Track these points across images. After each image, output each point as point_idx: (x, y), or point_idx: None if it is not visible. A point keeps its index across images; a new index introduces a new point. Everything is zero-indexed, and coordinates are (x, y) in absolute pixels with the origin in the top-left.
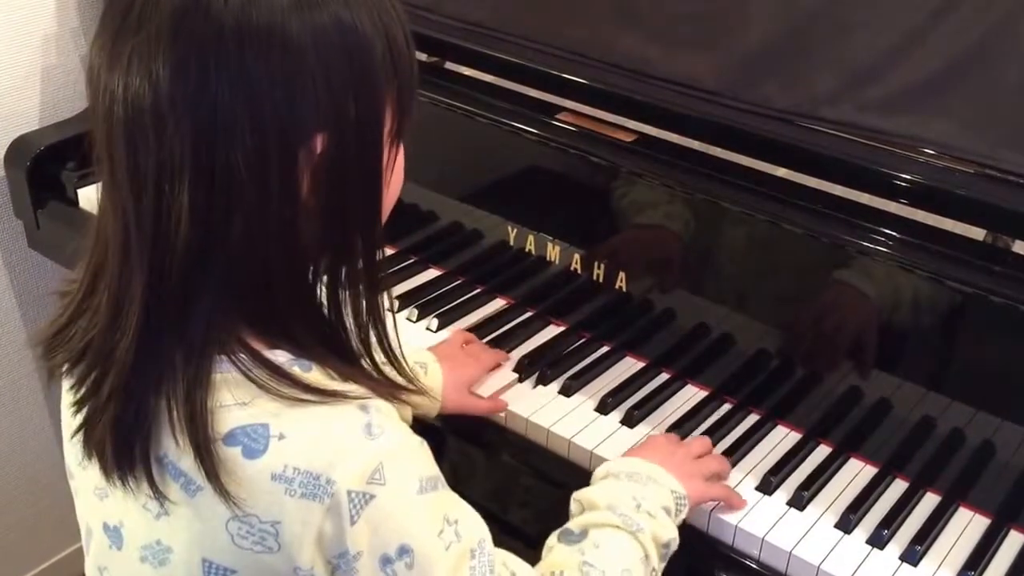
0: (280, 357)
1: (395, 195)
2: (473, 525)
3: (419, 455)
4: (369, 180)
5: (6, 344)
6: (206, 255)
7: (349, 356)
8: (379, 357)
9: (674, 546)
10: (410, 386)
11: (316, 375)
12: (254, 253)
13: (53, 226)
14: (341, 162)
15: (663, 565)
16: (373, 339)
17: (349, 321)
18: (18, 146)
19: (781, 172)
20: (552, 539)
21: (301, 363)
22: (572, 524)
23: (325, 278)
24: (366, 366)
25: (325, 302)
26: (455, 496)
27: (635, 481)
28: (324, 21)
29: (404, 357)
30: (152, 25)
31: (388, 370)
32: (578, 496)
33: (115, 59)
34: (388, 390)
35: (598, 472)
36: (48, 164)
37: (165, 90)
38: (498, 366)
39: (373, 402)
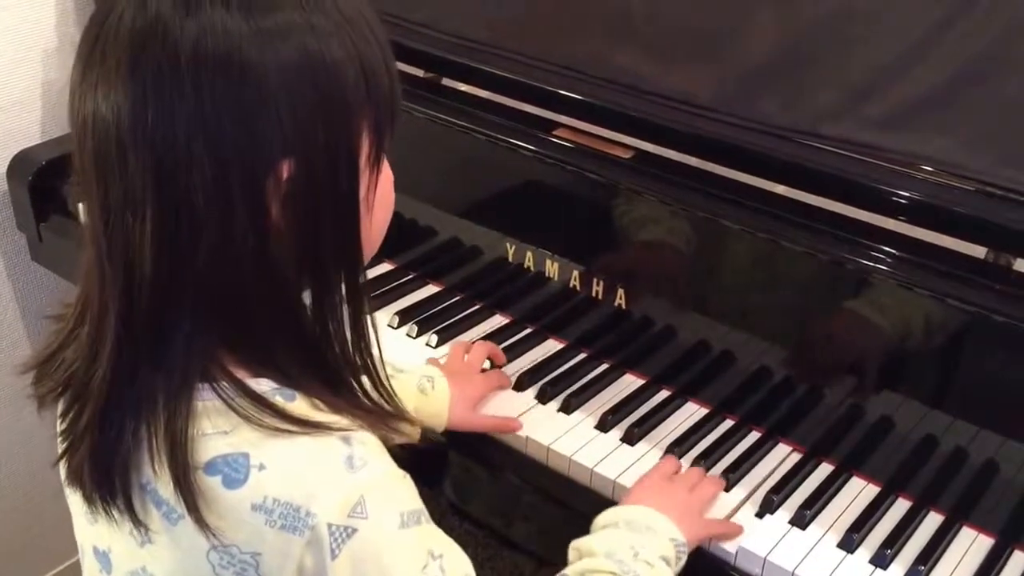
0: (264, 386)
1: (385, 218)
2: (458, 560)
3: (402, 488)
4: (344, 205)
5: (9, 357)
6: (174, 284)
7: (336, 385)
8: (367, 384)
9: None
10: (398, 415)
11: (300, 405)
12: (225, 281)
13: (55, 240)
14: (311, 188)
15: None
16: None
17: (336, 348)
18: (20, 161)
19: (780, 189)
20: None
21: (285, 392)
22: (569, 570)
23: (310, 304)
24: (355, 389)
25: (313, 328)
26: (439, 531)
27: (633, 530)
28: (287, 48)
29: (391, 387)
30: (113, 55)
31: (376, 396)
32: (576, 544)
33: (86, 88)
34: (376, 420)
35: (597, 521)
36: (50, 178)
37: (126, 120)
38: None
39: (356, 434)
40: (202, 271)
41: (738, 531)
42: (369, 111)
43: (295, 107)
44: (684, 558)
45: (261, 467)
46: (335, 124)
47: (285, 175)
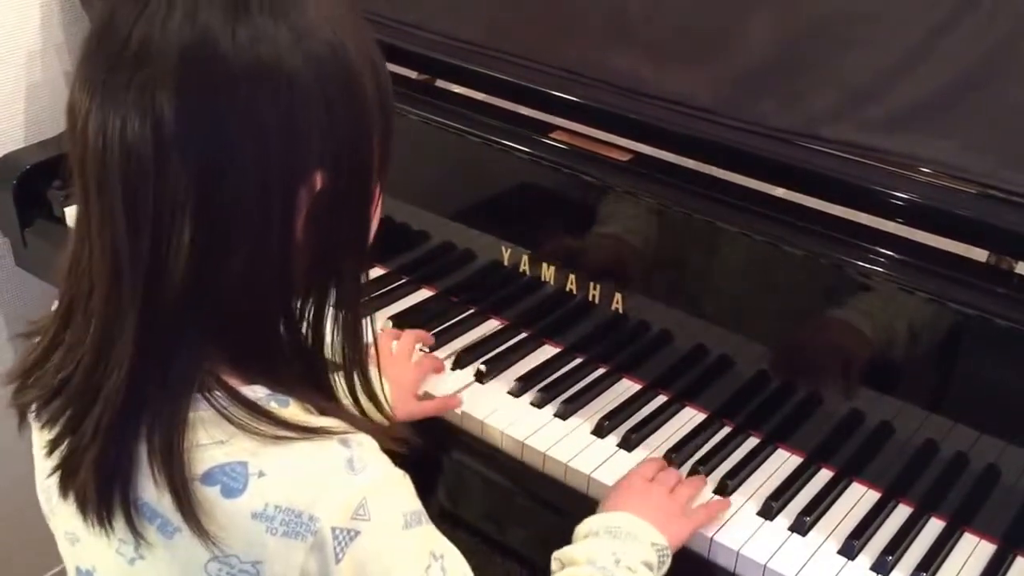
0: (258, 392)
1: (376, 222)
2: (458, 561)
3: (403, 489)
4: (360, 215)
5: None
6: (202, 291)
7: (328, 390)
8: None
9: None
10: (384, 422)
11: (294, 410)
12: (248, 288)
13: (40, 244)
14: (336, 199)
15: None
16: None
17: (334, 352)
18: (4, 164)
19: (780, 192)
20: None
21: (278, 398)
22: None
23: (311, 310)
24: (344, 396)
25: (308, 335)
26: (438, 532)
27: (615, 537)
28: (317, 49)
29: (384, 390)
30: (156, 62)
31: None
32: (558, 555)
33: (109, 95)
34: (363, 426)
35: (579, 531)
36: (34, 182)
37: (171, 128)
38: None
39: (355, 436)
40: (230, 278)
41: (725, 506)
42: (379, 110)
43: (330, 111)
44: (668, 562)
45: (260, 474)
46: (358, 127)
47: (318, 186)
